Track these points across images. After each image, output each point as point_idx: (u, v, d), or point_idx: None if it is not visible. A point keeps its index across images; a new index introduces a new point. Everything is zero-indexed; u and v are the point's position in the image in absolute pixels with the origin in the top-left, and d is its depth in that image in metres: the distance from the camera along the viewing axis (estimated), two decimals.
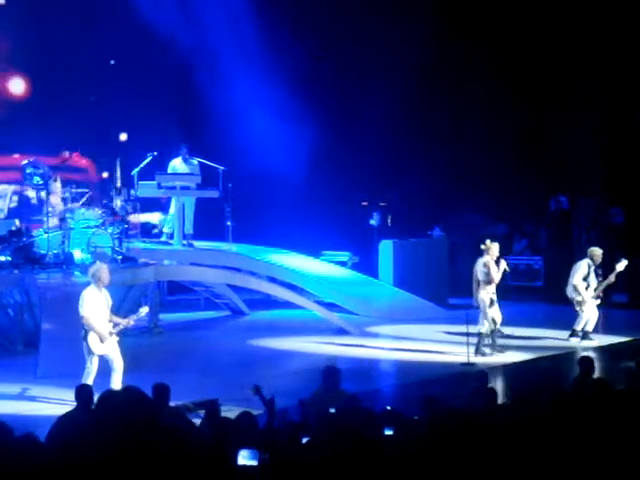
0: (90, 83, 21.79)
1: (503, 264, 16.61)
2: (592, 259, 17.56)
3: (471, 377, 14.77)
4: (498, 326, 16.70)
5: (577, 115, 22.99)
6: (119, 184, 18.51)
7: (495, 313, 16.60)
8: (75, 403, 10.05)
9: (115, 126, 22.32)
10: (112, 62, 22.76)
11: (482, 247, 16.71)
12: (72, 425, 9.17)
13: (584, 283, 17.47)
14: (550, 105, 23.25)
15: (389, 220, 23.42)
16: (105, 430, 6.62)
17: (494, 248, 16.61)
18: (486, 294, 16.50)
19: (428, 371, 15.57)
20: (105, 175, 20.67)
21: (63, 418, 9.65)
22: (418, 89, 23.35)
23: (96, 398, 12.41)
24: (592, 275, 17.49)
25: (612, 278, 17.41)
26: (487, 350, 16.43)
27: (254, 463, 6.90)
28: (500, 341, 16.88)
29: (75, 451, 6.90)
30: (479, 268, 16.56)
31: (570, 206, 23.51)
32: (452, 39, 23.00)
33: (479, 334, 16.48)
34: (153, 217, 20.66)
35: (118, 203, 18.10)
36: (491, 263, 16.52)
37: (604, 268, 17.52)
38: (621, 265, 17.33)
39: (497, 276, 16.50)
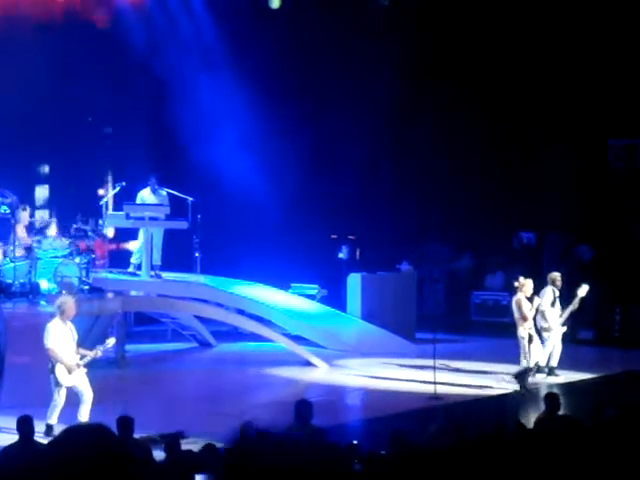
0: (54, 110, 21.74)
1: (537, 300, 16.88)
2: (554, 284, 17.73)
3: (438, 412, 14.87)
4: (540, 363, 16.92)
5: (546, 150, 23.17)
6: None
7: (535, 349, 16.78)
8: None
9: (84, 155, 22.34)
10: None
11: (515, 285, 17.00)
12: (14, 457, 9.13)
13: (552, 309, 17.60)
14: (520, 139, 23.40)
15: (358, 253, 23.47)
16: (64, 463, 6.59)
17: (527, 285, 16.85)
18: (524, 331, 16.73)
19: (396, 405, 15.58)
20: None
21: (6, 449, 9.61)
22: (389, 123, 23.46)
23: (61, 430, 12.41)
24: (557, 302, 17.66)
25: (576, 304, 17.55)
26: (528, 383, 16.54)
27: None
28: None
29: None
30: (513, 306, 16.89)
31: (538, 242, 23.65)
32: (423, 75, 23.19)
33: (525, 369, 16.65)
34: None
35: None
36: (523, 301, 16.79)
37: (569, 300, 17.63)
38: (582, 290, 17.49)
39: (530, 313, 16.76)
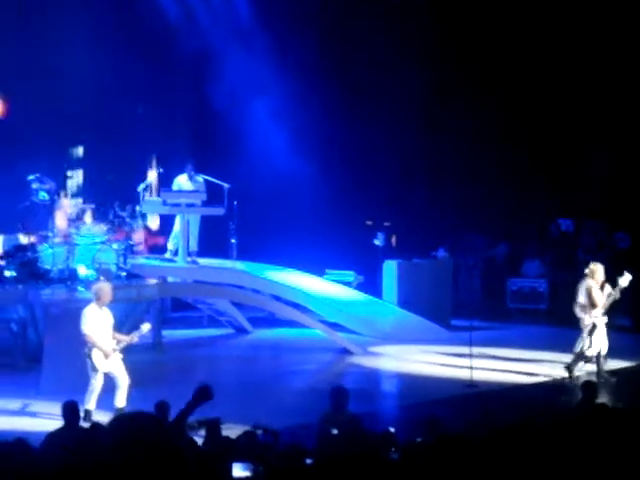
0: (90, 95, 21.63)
1: (608, 288, 16.50)
2: (594, 277, 17.56)
3: (475, 400, 14.88)
4: (601, 353, 16.55)
5: (585, 137, 23.06)
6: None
7: (599, 340, 16.48)
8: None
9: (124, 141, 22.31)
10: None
11: (586, 271, 16.68)
12: (59, 441, 9.23)
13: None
14: (559, 127, 23.29)
15: (393, 240, 23.45)
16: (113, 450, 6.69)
17: (598, 272, 16.56)
18: (589, 319, 16.44)
19: (431, 392, 15.60)
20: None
21: (52, 435, 9.72)
22: (425, 112, 23.46)
23: (101, 416, 12.56)
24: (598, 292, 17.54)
25: (617, 294, 17.34)
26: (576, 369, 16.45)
27: (248, 474, 6.96)
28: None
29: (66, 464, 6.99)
30: (582, 292, 16.56)
31: (575, 229, 23.53)
32: (459, 63, 23.17)
33: (579, 354, 16.51)
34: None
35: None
36: (594, 288, 16.46)
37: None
38: (624, 280, 17.22)
39: (601, 300, 16.43)
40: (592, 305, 16.47)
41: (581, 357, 16.56)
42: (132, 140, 21.68)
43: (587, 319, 16.49)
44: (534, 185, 23.24)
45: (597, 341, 16.50)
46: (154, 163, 19.78)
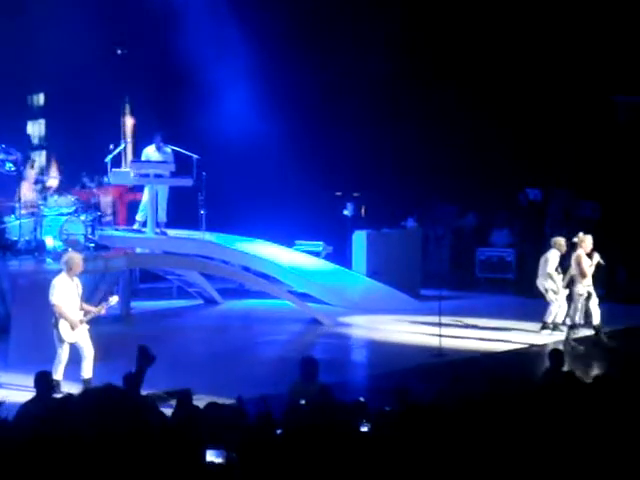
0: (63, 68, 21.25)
1: (596, 257, 16.58)
2: (558, 249, 17.67)
3: (444, 368, 14.93)
4: (596, 320, 16.66)
5: (552, 105, 23.09)
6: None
7: (593, 307, 16.60)
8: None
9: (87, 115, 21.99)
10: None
11: (574, 240, 16.73)
12: (33, 412, 9.17)
13: (557, 271, 17.58)
14: (525, 96, 23.30)
15: (363, 211, 23.44)
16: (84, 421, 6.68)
17: (587, 241, 16.62)
18: (582, 287, 16.53)
19: (401, 361, 15.63)
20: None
21: (26, 405, 9.65)
22: (394, 83, 23.39)
23: (69, 387, 12.49)
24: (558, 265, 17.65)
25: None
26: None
27: (221, 461, 6.93)
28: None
29: (40, 435, 6.97)
30: (572, 262, 16.64)
31: (543, 199, 23.59)
32: (424, 42, 23.23)
33: (570, 325, 16.61)
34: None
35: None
36: (582, 257, 16.53)
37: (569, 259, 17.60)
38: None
39: (590, 269, 16.49)
40: (582, 274, 16.51)
41: (575, 326, 16.61)
42: (97, 100, 21.26)
43: (580, 288, 16.53)
44: (502, 155, 23.24)
45: (595, 308, 16.61)
46: (128, 109, 19.47)
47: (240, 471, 6.81)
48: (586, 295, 16.57)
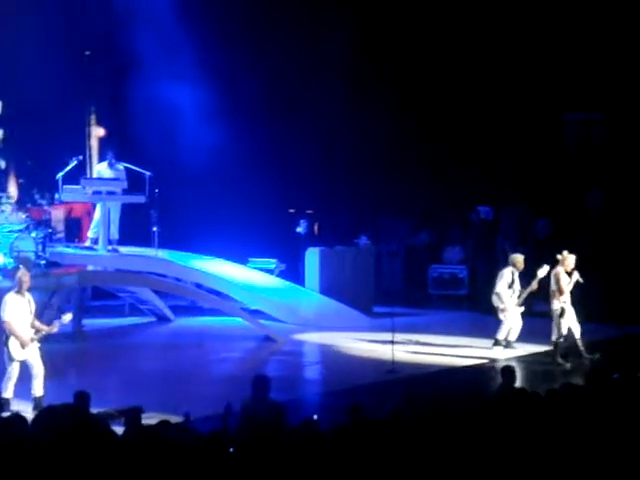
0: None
1: (576, 275, 16.78)
2: (515, 266, 17.77)
3: (395, 386, 14.94)
4: (577, 335, 16.78)
5: (503, 125, 23.28)
6: None
7: (571, 322, 16.74)
8: None
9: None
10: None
11: (558, 257, 16.86)
12: None
13: (509, 291, 17.65)
14: (477, 115, 23.46)
15: (316, 228, 23.44)
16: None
17: (569, 260, 16.80)
18: (557, 303, 16.71)
19: (353, 379, 15.61)
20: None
21: None
22: (346, 102, 23.44)
23: (19, 405, 12.36)
24: (517, 282, 17.72)
25: (534, 285, 17.59)
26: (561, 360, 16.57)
27: None
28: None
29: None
30: (551, 278, 16.81)
31: (494, 216, 23.73)
32: (379, 51, 23.33)
33: (554, 343, 16.74)
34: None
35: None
36: (562, 274, 16.73)
37: (528, 277, 17.71)
38: (542, 271, 17.50)
39: (567, 287, 16.71)
40: (559, 291, 16.72)
41: (561, 342, 16.72)
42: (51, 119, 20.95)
43: (555, 304, 16.74)
44: (454, 173, 23.36)
45: (566, 324, 16.74)
46: (93, 119, 19.22)
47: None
48: (560, 311, 16.70)
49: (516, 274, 17.77)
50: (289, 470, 6.85)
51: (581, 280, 16.87)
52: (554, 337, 16.84)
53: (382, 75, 23.57)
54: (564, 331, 16.74)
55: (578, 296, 17.15)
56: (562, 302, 16.76)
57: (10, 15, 20.52)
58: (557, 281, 16.81)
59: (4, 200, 17.96)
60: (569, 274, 16.86)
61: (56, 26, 20.92)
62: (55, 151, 20.19)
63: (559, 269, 16.86)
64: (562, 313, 16.74)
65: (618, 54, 21.92)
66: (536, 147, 23.18)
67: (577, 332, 16.86)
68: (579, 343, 16.86)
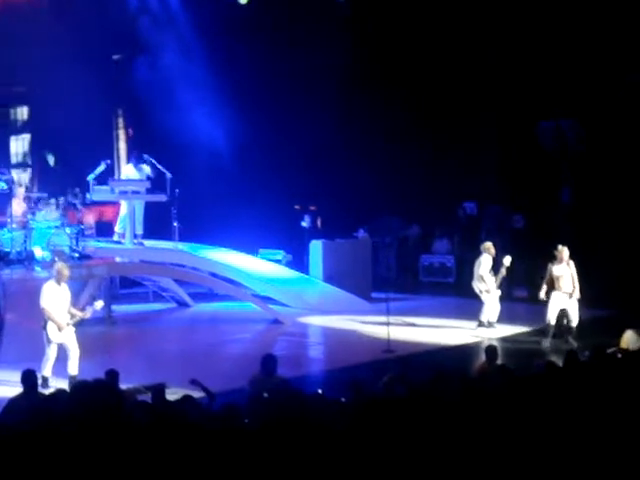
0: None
1: (571, 265, 16.39)
2: (489, 252, 17.80)
3: (392, 364, 14.98)
4: (573, 322, 16.38)
5: (485, 130, 23.30)
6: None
7: (572, 310, 16.35)
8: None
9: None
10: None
11: (555, 253, 16.48)
12: (21, 407, 9.13)
13: (489, 274, 17.70)
14: (463, 122, 23.46)
15: (319, 222, 23.48)
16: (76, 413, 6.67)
17: (564, 253, 16.48)
18: (550, 292, 16.34)
19: (354, 357, 15.65)
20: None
21: (13, 400, 9.61)
22: (342, 101, 23.44)
23: (57, 382, 12.42)
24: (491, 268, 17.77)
25: (503, 271, 17.65)
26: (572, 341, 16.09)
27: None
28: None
29: (27, 427, 6.94)
30: (549, 269, 16.45)
31: (478, 212, 23.78)
32: (373, 60, 23.29)
33: (547, 325, 16.40)
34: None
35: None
36: (554, 267, 16.39)
37: (497, 267, 17.74)
38: (506, 260, 17.60)
39: (566, 277, 16.27)
40: (558, 281, 16.30)
41: (557, 327, 16.42)
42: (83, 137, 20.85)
43: (547, 293, 16.35)
44: (443, 172, 23.39)
45: (556, 310, 16.39)
46: (121, 122, 19.11)
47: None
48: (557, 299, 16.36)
49: (490, 259, 17.81)
50: (297, 439, 6.89)
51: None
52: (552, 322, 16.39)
53: (374, 81, 23.54)
54: (573, 317, 16.32)
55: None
56: (563, 292, 16.33)
57: (42, 23, 20.27)
58: (550, 272, 16.39)
59: (44, 200, 18.01)
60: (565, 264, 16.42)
61: (84, 30, 20.58)
62: (86, 154, 20.17)
63: (556, 263, 16.45)
64: (557, 301, 16.38)
65: (589, 68, 21.91)
66: (515, 150, 23.21)
67: (575, 319, 16.46)
68: (572, 329, 16.45)
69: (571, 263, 16.57)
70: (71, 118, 20.58)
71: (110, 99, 22.06)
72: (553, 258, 16.60)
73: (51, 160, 17.78)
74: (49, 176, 20.09)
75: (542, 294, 16.53)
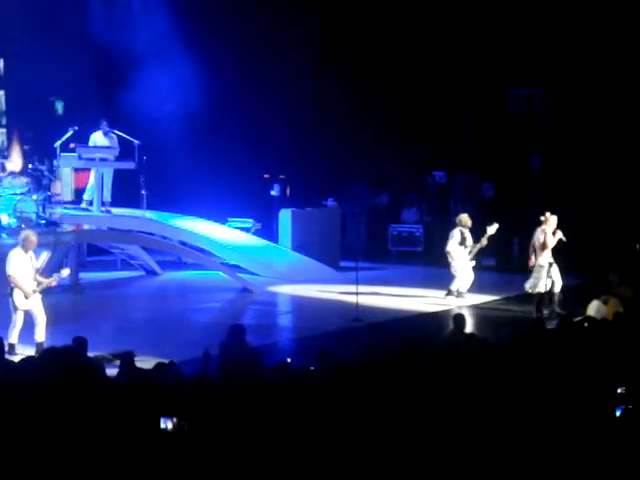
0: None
1: (559, 234, 16.43)
2: (463, 225, 17.83)
3: (359, 332, 15.05)
4: (557, 288, 16.42)
5: (455, 99, 23.34)
6: None
7: (555, 276, 16.38)
8: None
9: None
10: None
11: (541, 218, 16.50)
12: None
13: (460, 247, 17.72)
14: (434, 90, 23.46)
15: (288, 191, 23.43)
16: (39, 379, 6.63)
17: (552, 220, 16.48)
18: (543, 259, 16.33)
19: (323, 325, 15.69)
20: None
21: None
22: (312, 71, 23.38)
23: (24, 349, 12.36)
24: (469, 239, 17.75)
25: (484, 241, 17.66)
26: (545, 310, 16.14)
27: (173, 428, 6.87)
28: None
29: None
30: (537, 236, 16.41)
31: (447, 181, 23.82)
32: (344, 29, 23.22)
33: (538, 295, 16.32)
34: None
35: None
36: (548, 231, 16.37)
37: (476, 235, 17.79)
38: (492, 228, 17.60)
39: (551, 243, 16.31)
40: (543, 247, 16.34)
41: (546, 295, 16.37)
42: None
43: (541, 260, 16.33)
44: (412, 140, 23.38)
45: (556, 276, 16.47)
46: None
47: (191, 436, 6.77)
48: (548, 266, 16.39)
49: (466, 232, 17.82)
50: (268, 408, 6.90)
51: (564, 239, 16.67)
52: (528, 287, 16.46)
53: (347, 47, 23.45)
54: (548, 284, 16.33)
55: (562, 252, 16.88)
56: (547, 257, 16.34)
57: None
58: (544, 237, 16.35)
59: (8, 165, 17.83)
60: (553, 233, 16.45)
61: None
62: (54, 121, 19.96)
63: (544, 227, 16.44)
64: (550, 266, 16.35)
65: (558, 36, 21.96)
66: (484, 119, 23.25)
67: (558, 286, 16.49)
68: (556, 297, 16.49)
69: (559, 231, 16.52)
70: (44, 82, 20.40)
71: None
72: (537, 225, 16.55)
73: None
74: (26, 139, 19.75)
75: (532, 261, 16.49)
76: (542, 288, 16.41)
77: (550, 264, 16.47)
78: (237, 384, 7.70)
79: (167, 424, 6.77)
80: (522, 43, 22.30)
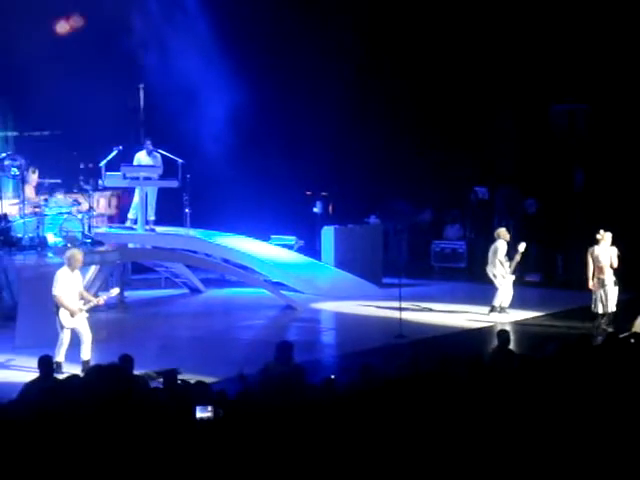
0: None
1: (614, 251, 16.13)
2: (504, 238, 17.79)
3: (403, 348, 15.01)
4: (610, 308, 16.08)
5: (498, 115, 23.26)
6: None
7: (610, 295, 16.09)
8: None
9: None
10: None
11: (597, 237, 16.20)
12: (37, 390, 9.19)
13: (505, 259, 17.68)
14: (476, 107, 23.40)
15: (330, 208, 23.47)
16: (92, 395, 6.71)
17: (607, 237, 16.20)
18: (609, 277, 16.05)
19: (366, 342, 15.66)
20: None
21: (28, 385, 9.67)
22: (355, 89, 23.40)
23: (70, 368, 12.48)
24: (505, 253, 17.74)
25: (518, 257, 17.64)
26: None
27: (209, 415, 7.00)
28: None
29: (43, 411, 6.99)
30: (599, 254, 16.07)
31: (490, 196, 23.73)
32: (384, 45, 23.27)
33: (598, 315, 16.08)
34: None
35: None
36: (613, 251, 16.09)
37: (514, 252, 17.73)
38: (521, 247, 17.60)
39: (609, 261, 16.01)
40: (611, 265, 16.07)
41: (605, 314, 16.12)
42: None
43: (607, 278, 16.00)
44: (455, 156, 23.33)
45: (613, 297, 16.15)
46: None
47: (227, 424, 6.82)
48: (611, 284, 16.07)
49: (505, 245, 17.79)
50: (310, 425, 6.92)
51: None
52: (600, 309, 16.04)
53: (386, 66, 23.47)
54: (611, 303, 16.03)
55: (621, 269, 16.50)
56: (602, 277, 16.00)
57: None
58: (598, 257, 16.03)
59: (57, 186, 18.05)
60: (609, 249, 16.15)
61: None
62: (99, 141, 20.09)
63: (601, 246, 16.12)
64: (603, 285, 16.00)
65: (602, 52, 21.83)
66: (527, 135, 23.14)
67: (613, 305, 16.16)
68: (608, 315, 16.18)
69: (614, 248, 16.18)
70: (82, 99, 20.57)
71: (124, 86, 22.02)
72: (594, 243, 16.22)
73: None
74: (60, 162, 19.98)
75: (590, 284, 16.09)
76: (613, 307, 16.09)
77: (615, 282, 16.11)
78: (281, 401, 7.72)
79: (204, 413, 6.89)
80: (566, 58, 22.20)
